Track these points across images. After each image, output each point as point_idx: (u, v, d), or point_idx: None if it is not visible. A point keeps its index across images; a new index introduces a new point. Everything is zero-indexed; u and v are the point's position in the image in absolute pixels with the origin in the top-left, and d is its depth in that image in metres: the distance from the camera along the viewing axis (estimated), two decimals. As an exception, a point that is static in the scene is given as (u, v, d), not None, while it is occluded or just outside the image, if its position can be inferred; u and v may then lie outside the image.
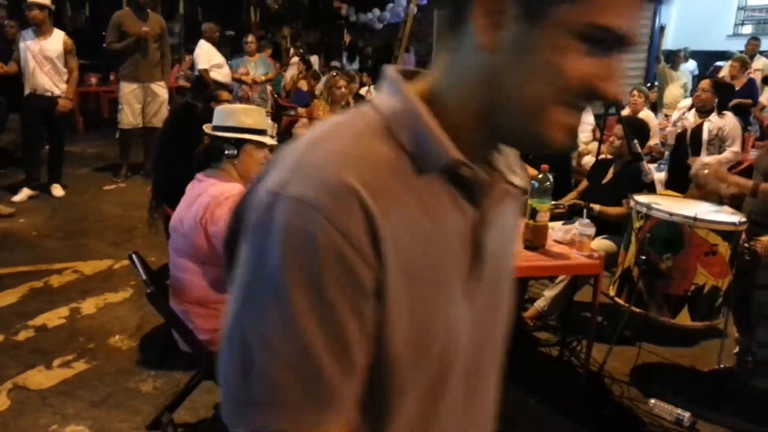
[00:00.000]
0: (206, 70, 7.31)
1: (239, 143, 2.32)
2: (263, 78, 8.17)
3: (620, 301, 3.10)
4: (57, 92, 5.85)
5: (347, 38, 16.17)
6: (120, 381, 3.03)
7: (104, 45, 6.59)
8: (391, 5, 13.69)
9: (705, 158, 3.32)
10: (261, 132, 2.38)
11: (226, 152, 2.30)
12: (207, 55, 7.41)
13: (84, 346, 3.35)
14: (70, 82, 5.96)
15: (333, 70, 7.86)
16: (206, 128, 2.37)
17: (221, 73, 7.49)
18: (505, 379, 2.98)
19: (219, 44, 7.63)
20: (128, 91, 6.57)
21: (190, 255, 2.24)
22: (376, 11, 14.91)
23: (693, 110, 4.56)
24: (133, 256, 2.31)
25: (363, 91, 8.96)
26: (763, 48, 9.02)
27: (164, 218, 2.91)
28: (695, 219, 2.82)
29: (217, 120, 2.36)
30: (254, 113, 2.41)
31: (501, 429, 2.95)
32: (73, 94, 6.09)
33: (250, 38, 8.37)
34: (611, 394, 3.09)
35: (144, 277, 2.18)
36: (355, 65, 13.38)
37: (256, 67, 8.12)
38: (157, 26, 6.58)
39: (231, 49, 10.36)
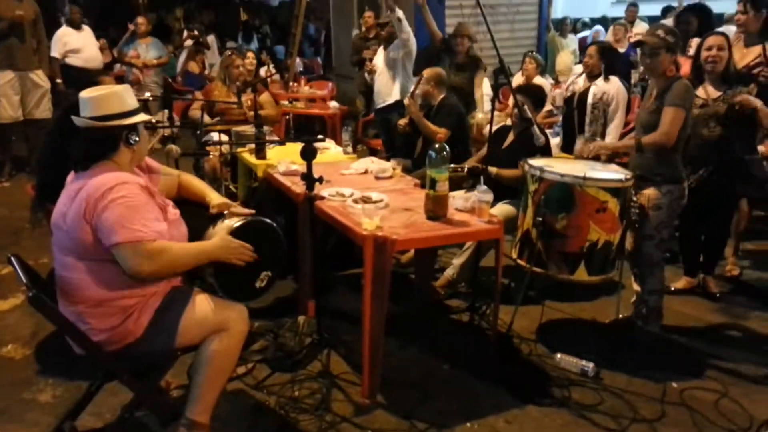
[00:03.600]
0: (55, 59, 7.05)
1: (136, 126, 2.20)
2: (155, 62, 7.82)
3: (522, 263, 3.20)
4: None
5: (243, 17, 15.70)
6: (15, 393, 2.84)
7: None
8: None
9: (601, 142, 3.43)
10: (140, 110, 2.26)
11: (131, 141, 2.18)
12: (60, 42, 7.15)
13: (-28, 360, 3.12)
14: None
15: (229, 50, 7.62)
16: (81, 121, 2.14)
17: (80, 58, 7.23)
18: (417, 348, 3.03)
19: (79, 26, 7.34)
20: (5, 81, 6.09)
21: (75, 252, 2.10)
22: (271, -12, 14.54)
23: (583, 75, 4.75)
24: (12, 259, 2.14)
25: (263, 71, 8.74)
26: (644, 14, 9.50)
27: (49, 217, 2.73)
28: (585, 178, 2.95)
29: (101, 108, 2.13)
30: (131, 92, 2.26)
31: (414, 397, 3.01)
32: None
33: (141, 19, 7.98)
34: (520, 353, 3.21)
35: (24, 280, 2.03)
36: (253, 45, 13.01)
37: (148, 50, 7.76)
38: (31, 11, 6.12)
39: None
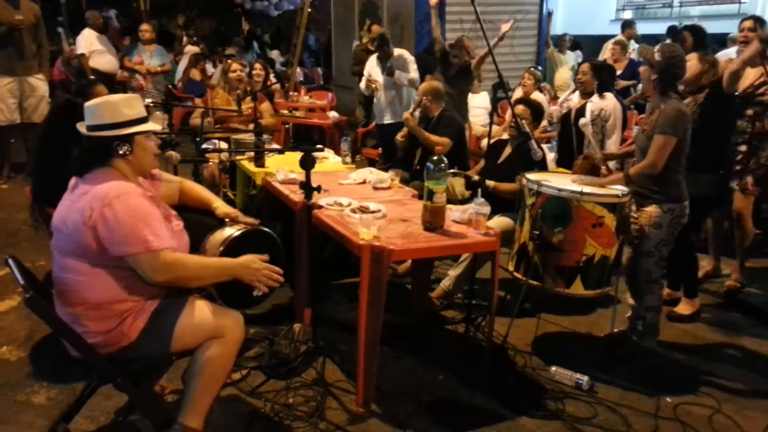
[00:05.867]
0: (84, 56, 7.31)
1: (129, 138, 2.19)
2: (159, 69, 7.87)
3: (518, 276, 3.22)
4: None
5: (245, 27, 15.79)
6: (8, 395, 2.83)
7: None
8: None
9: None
10: (144, 120, 2.25)
11: (120, 152, 2.16)
12: (87, 41, 7.37)
13: (-34, 362, 3.11)
14: None
15: (228, 57, 7.68)
16: (81, 128, 2.17)
17: (100, 61, 7.39)
18: (412, 358, 3.02)
19: (102, 31, 7.56)
20: (2, 85, 6.09)
21: (76, 255, 2.11)
22: (273, -2, 14.63)
23: (577, 92, 4.81)
24: (9, 260, 2.14)
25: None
26: (644, 32, 9.59)
27: (47, 220, 2.73)
28: (582, 193, 2.97)
29: (94, 118, 2.16)
30: (133, 102, 2.25)
31: (408, 407, 3.00)
32: None
33: (145, 26, 8.08)
34: (515, 365, 3.21)
35: (21, 281, 2.03)
36: (251, 54, 13.06)
37: (152, 57, 7.82)
38: (31, 14, 6.13)
39: (131, 38, 10.02)
